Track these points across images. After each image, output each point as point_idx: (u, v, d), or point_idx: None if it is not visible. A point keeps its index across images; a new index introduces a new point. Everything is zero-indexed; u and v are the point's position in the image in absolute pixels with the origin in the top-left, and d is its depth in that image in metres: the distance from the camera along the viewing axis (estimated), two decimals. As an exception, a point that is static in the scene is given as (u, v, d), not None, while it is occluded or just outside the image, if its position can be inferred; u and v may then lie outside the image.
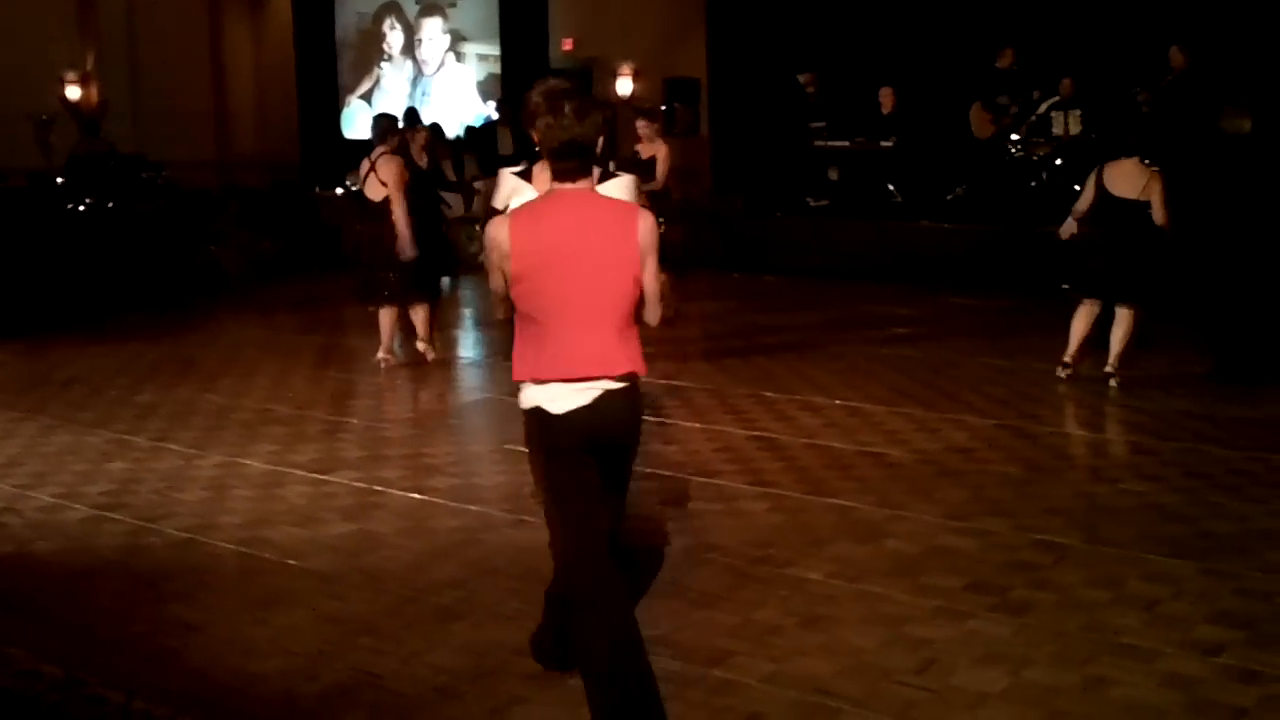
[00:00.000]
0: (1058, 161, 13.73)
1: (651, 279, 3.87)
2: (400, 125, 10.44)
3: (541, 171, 4.76)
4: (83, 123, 18.70)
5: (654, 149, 11.17)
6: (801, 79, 15.39)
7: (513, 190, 4.95)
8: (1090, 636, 4.67)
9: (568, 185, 3.86)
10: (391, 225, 9.29)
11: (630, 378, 3.89)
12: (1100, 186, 8.64)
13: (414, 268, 9.47)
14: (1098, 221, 8.71)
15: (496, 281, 3.90)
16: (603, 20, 17.86)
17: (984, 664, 4.44)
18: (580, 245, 3.78)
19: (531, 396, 3.92)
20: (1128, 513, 6.15)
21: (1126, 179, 8.55)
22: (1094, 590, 5.12)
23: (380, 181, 9.35)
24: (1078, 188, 9.44)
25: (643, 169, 11.58)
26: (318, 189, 17.97)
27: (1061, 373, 8.84)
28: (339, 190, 17.22)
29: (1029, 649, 4.57)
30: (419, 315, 9.78)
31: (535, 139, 3.88)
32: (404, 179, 9.42)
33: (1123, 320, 8.70)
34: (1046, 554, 5.55)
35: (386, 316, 9.76)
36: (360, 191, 9.67)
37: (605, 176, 4.73)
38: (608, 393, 3.84)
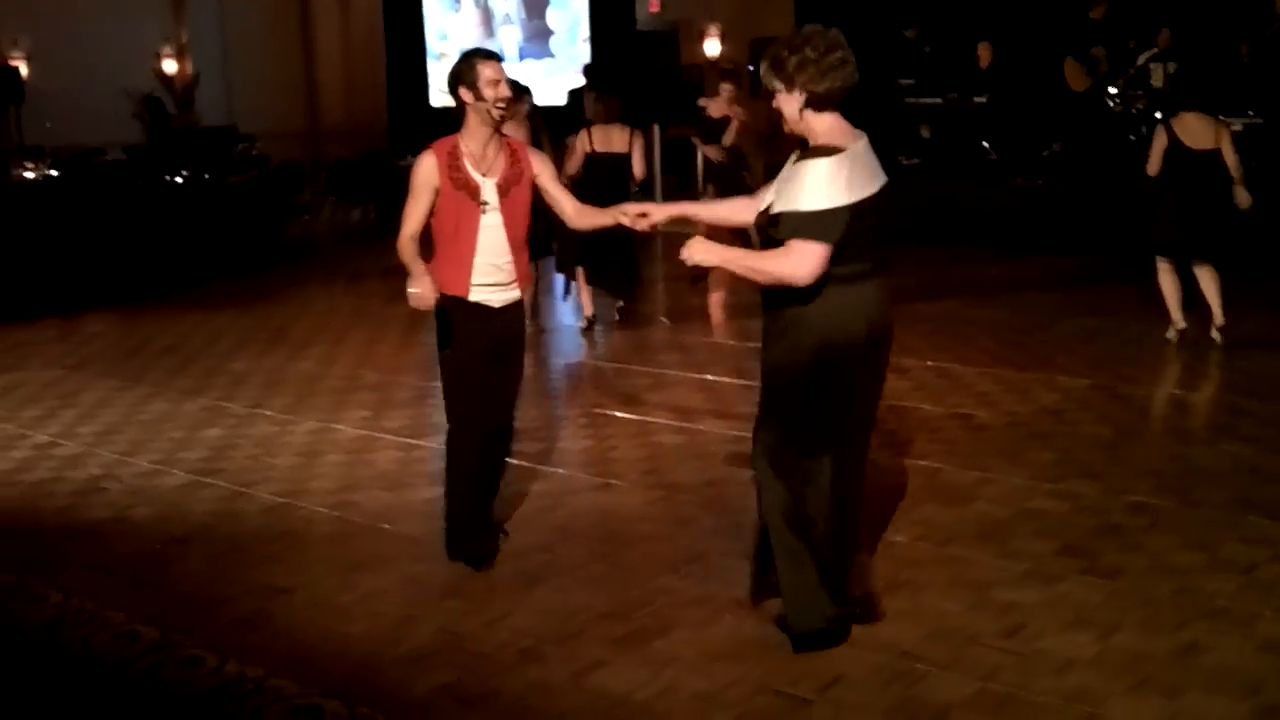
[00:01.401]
0: (1156, 115, 13.37)
1: None
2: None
3: None
4: (177, 97, 19.07)
5: (728, 110, 11.13)
6: (908, 34, 15.06)
7: None
8: (1183, 601, 4.58)
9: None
10: None
11: None
12: (1173, 141, 8.41)
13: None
14: (1170, 178, 8.48)
15: None
16: (689, -20, 17.78)
17: (1073, 629, 4.37)
18: None
19: None
20: (1223, 475, 6.01)
21: (1199, 130, 8.34)
22: (1188, 554, 5.01)
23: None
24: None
25: (710, 128, 11.56)
26: (408, 157, 18.10)
27: (1171, 335, 8.65)
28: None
29: (1120, 614, 4.48)
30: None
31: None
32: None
33: (1206, 277, 8.50)
34: (1139, 517, 5.45)
35: None
36: None
37: None
38: None
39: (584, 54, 19.26)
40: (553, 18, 20.15)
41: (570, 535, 5.45)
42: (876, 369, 4.29)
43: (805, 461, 4.18)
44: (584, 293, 10.00)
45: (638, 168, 9.57)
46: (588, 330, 9.90)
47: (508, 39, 20.53)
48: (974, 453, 6.43)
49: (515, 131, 9.53)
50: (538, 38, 20.47)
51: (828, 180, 3.97)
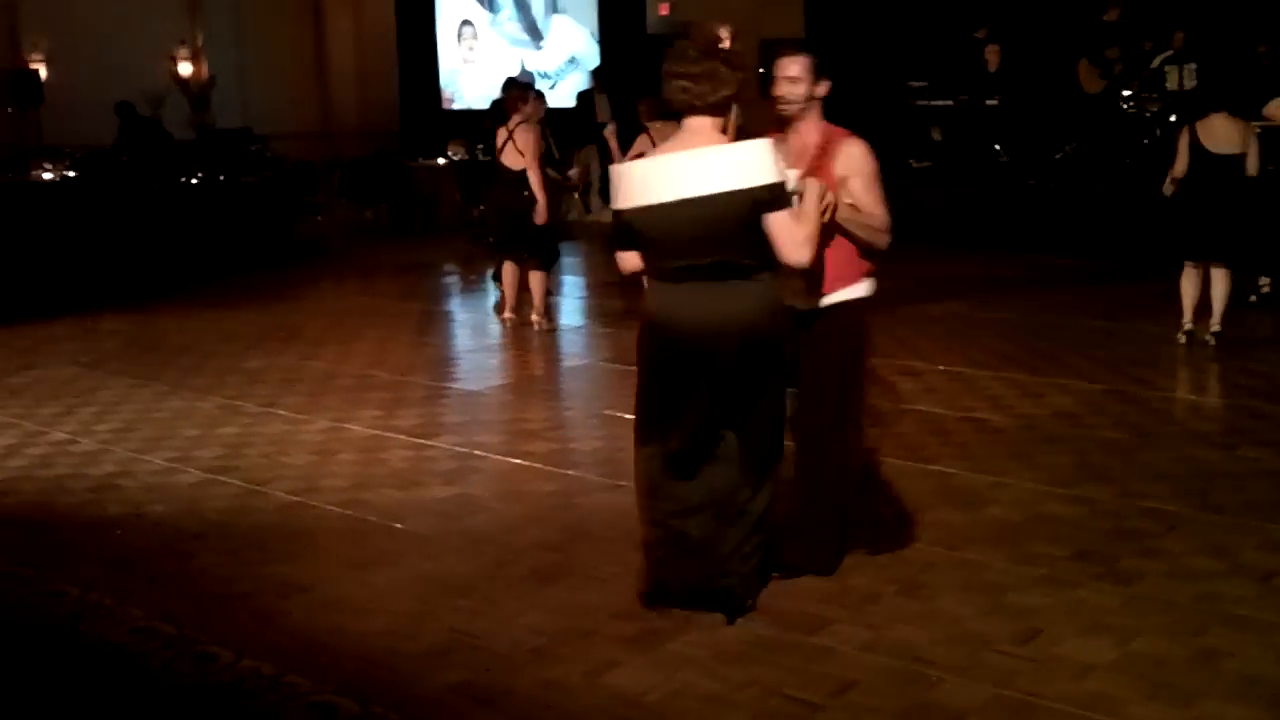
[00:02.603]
0: (1171, 118, 13.32)
1: None
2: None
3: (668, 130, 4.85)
4: (192, 99, 19.13)
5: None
6: (978, 35, 14.83)
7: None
8: (1202, 607, 4.55)
9: None
10: (522, 194, 9.51)
11: None
12: (1195, 145, 8.39)
13: (541, 236, 9.63)
14: (1193, 181, 8.47)
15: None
16: (699, -19, 17.71)
17: (1090, 634, 4.35)
18: None
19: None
20: (1241, 479, 5.98)
21: (1224, 134, 8.31)
22: (1206, 559, 4.99)
23: (518, 150, 9.51)
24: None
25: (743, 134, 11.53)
26: (420, 159, 18.13)
27: (1181, 338, 8.63)
28: (440, 160, 17.38)
29: (1137, 620, 4.46)
30: (535, 283, 9.89)
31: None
32: (541, 148, 9.68)
33: (1220, 280, 8.49)
34: (1155, 522, 5.43)
35: (509, 277, 10.01)
36: (495, 159, 9.83)
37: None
38: None
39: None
40: (562, 22, 20.21)
41: (582, 535, 5.45)
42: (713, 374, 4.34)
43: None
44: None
45: None
46: None
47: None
48: (987, 456, 6.41)
49: (527, 134, 9.59)
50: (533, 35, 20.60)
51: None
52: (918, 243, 13.28)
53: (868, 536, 5.07)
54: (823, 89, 4.72)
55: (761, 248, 4.25)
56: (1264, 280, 9.89)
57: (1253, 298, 9.79)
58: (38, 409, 7.90)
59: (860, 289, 4.80)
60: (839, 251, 4.65)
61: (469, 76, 21.10)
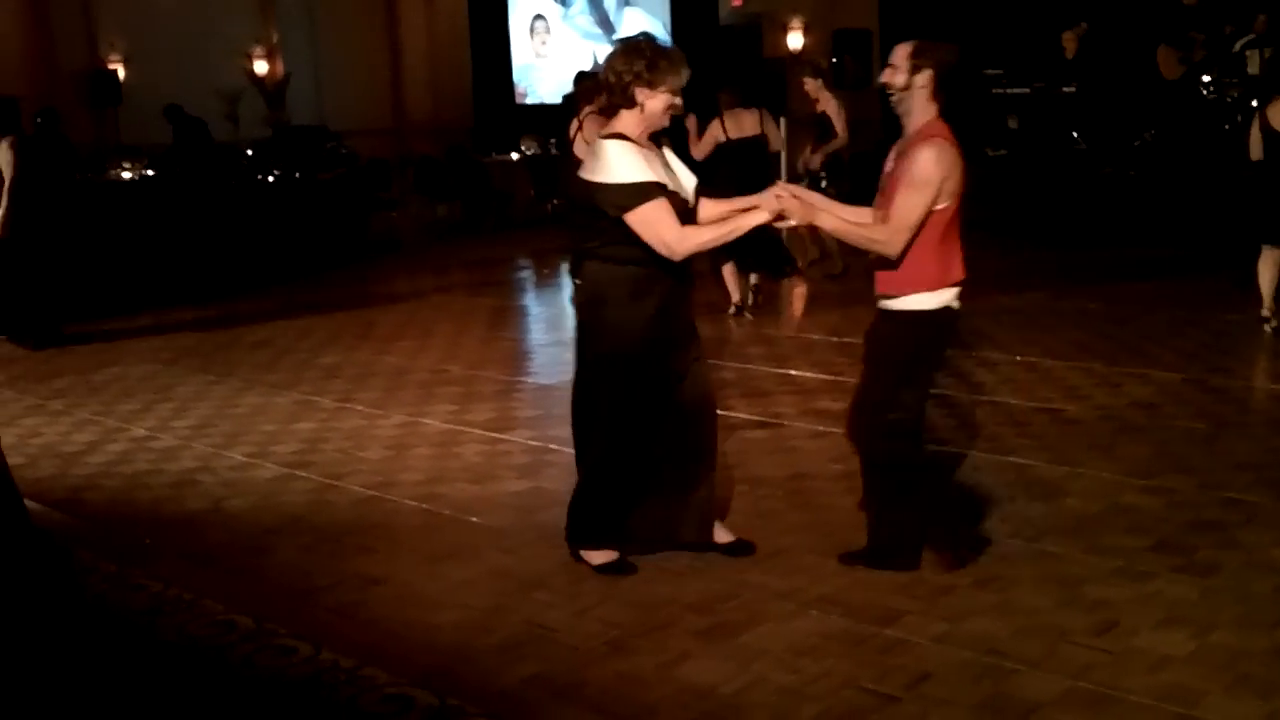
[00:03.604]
0: (1253, 103, 13.06)
1: None
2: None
3: (638, 128, 4.71)
4: (268, 97, 19.37)
5: (824, 104, 11.09)
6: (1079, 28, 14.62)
7: (643, 157, 4.79)
8: (1281, 599, 4.49)
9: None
10: None
11: None
12: (1266, 128, 8.27)
13: None
14: (1268, 165, 8.33)
15: (922, 210, 4.42)
16: (771, -26, 17.69)
17: (1167, 626, 4.30)
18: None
19: (942, 298, 4.57)
20: (1324, 470, 5.88)
21: None
22: (1286, 550, 4.91)
23: (585, 141, 9.60)
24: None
25: (819, 125, 11.46)
26: (493, 154, 18.23)
27: (1267, 327, 8.49)
28: (513, 155, 17.47)
29: (1215, 611, 4.40)
30: None
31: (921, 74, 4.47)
32: None
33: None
34: (1234, 513, 5.34)
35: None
36: (567, 152, 10.02)
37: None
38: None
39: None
40: (634, 15, 20.22)
41: (656, 528, 5.46)
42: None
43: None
44: (730, 278, 10.11)
45: (774, 143, 10.29)
46: (738, 315, 10.02)
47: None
48: (1064, 447, 6.35)
49: (595, 124, 9.65)
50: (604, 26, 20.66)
51: None
52: (994, 232, 13.23)
53: (943, 528, 5.03)
54: (921, 79, 4.51)
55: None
56: None
57: None
58: (118, 405, 8.07)
59: (906, 301, 4.59)
60: (883, 260, 4.59)
61: (542, 71, 21.21)
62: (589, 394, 4.89)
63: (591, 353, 4.84)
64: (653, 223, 4.54)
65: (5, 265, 10.04)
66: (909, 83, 4.53)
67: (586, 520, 4.99)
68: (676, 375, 4.80)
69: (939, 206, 4.47)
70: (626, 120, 4.68)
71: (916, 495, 4.80)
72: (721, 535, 5.06)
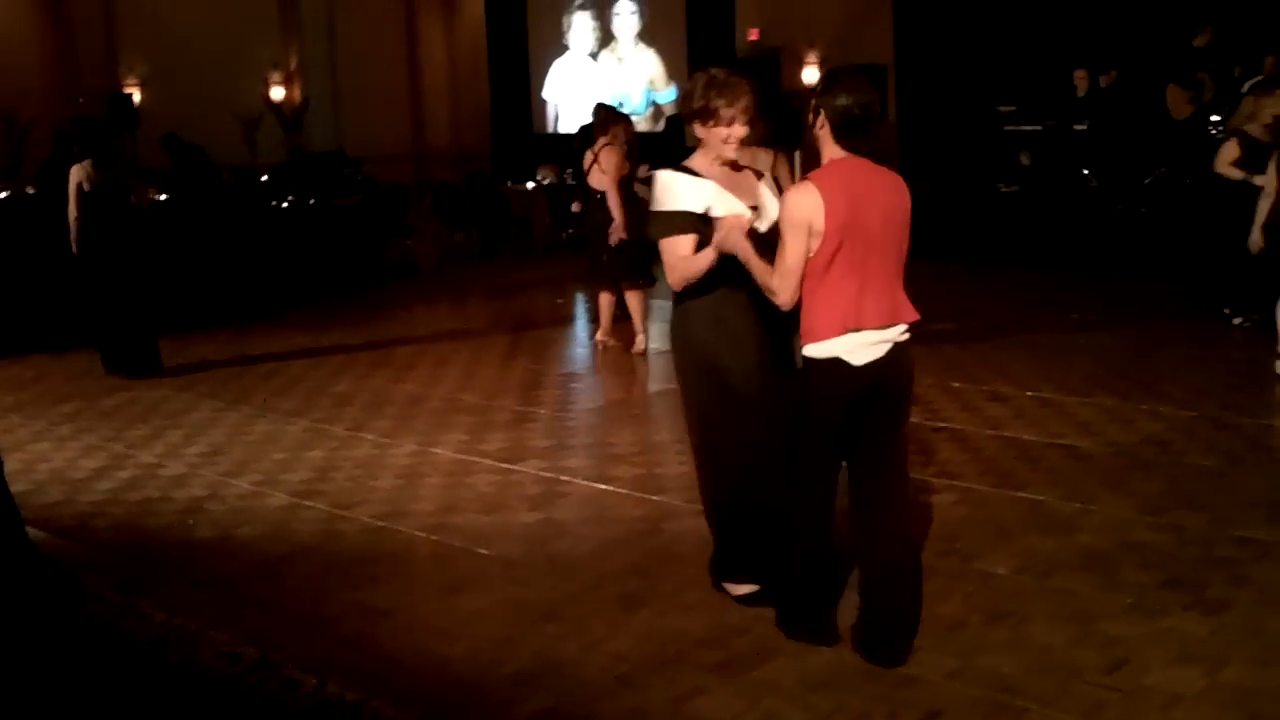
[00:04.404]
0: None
1: None
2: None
3: (706, 159, 4.78)
4: (285, 122, 19.47)
5: None
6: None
7: (692, 187, 4.80)
8: (1294, 638, 4.47)
9: (853, 156, 4.34)
10: (608, 214, 9.82)
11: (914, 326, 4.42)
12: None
13: (630, 254, 9.74)
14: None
15: (797, 255, 4.23)
16: (788, 8, 17.70)
17: (1179, 664, 4.29)
18: (878, 207, 4.28)
19: (829, 349, 4.28)
20: (1337, 508, 5.86)
21: None
22: (1299, 589, 4.90)
23: (602, 171, 9.72)
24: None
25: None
26: (510, 182, 18.28)
27: (1278, 367, 8.47)
28: (529, 184, 17.52)
29: (1227, 649, 4.39)
30: (633, 304, 10.01)
31: (820, 117, 4.33)
32: (622, 170, 9.87)
33: None
34: (1246, 550, 5.33)
35: (603, 299, 10.28)
36: (582, 182, 10.19)
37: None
38: (896, 345, 4.36)
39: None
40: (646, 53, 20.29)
41: (668, 561, 5.46)
42: None
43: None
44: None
45: (785, 184, 10.09)
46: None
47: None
48: (1076, 482, 6.34)
49: (611, 155, 9.73)
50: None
51: None
52: (1004, 268, 13.23)
53: (953, 564, 5.03)
54: (821, 120, 4.37)
55: None
56: None
57: None
58: (127, 431, 8.09)
59: (806, 349, 4.37)
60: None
61: (564, 101, 21.28)
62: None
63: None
64: (666, 250, 4.73)
65: (88, 289, 9.80)
66: (815, 123, 4.40)
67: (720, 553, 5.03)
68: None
69: (811, 252, 4.26)
70: (699, 151, 4.82)
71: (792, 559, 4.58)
72: None
